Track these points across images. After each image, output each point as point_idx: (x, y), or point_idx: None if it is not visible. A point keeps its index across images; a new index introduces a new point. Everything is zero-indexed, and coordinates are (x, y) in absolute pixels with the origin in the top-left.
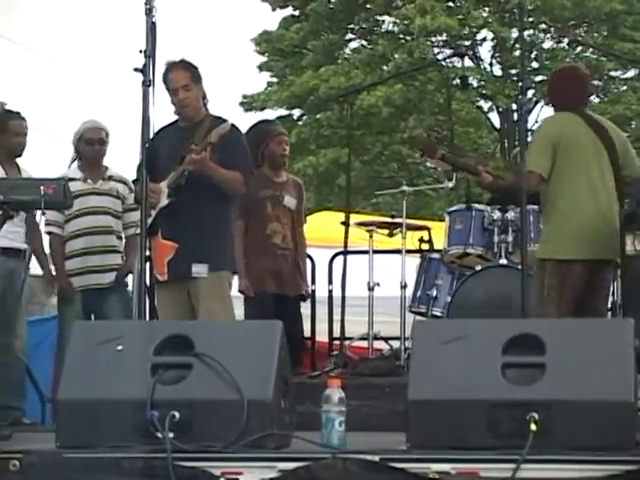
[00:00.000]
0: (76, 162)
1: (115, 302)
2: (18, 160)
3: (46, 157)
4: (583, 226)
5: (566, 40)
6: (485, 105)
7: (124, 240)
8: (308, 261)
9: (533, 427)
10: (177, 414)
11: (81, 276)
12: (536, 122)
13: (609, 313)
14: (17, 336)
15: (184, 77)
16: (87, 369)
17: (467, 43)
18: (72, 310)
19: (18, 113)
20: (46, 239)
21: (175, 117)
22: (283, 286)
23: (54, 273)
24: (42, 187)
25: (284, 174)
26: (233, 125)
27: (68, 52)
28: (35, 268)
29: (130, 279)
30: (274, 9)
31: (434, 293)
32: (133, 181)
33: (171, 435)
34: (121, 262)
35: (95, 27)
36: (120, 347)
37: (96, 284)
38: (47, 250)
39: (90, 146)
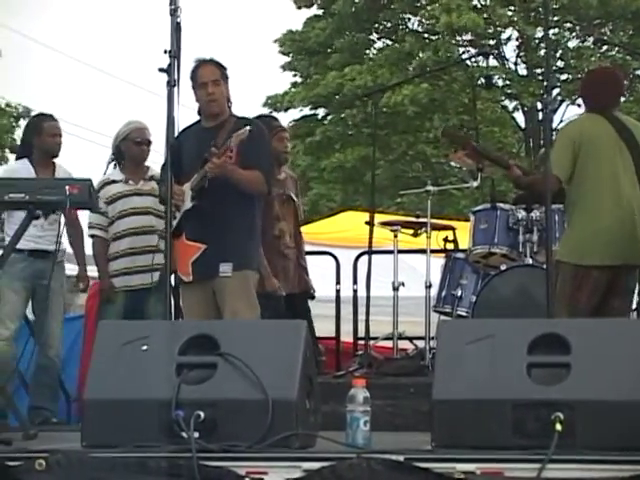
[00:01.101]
0: (114, 163)
1: (157, 302)
2: (57, 160)
3: (74, 158)
4: (603, 230)
5: (591, 39)
6: (510, 104)
7: None
8: (333, 260)
9: (558, 427)
10: (202, 414)
11: (125, 276)
12: (561, 121)
13: (634, 313)
14: (52, 337)
15: (214, 73)
16: (113, 369)
17: (492, 42)
18: (113, 311)
19: (51, 115)
20: (89, 242)
21: (198, 117)
22: (290, 285)
23: (97, 274)
24: (67, 187)
25: (282, 171)
26: (256, 125)
27: (92, 52)
28: (67, 269)
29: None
30: (299, 7)
31: (459, 293)
32: (157, 182)
33: (196, 435)
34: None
35: (120, 27)
36: (145, 347)
37: (140, 284)
38: (89, 252)
39: (138, 146)
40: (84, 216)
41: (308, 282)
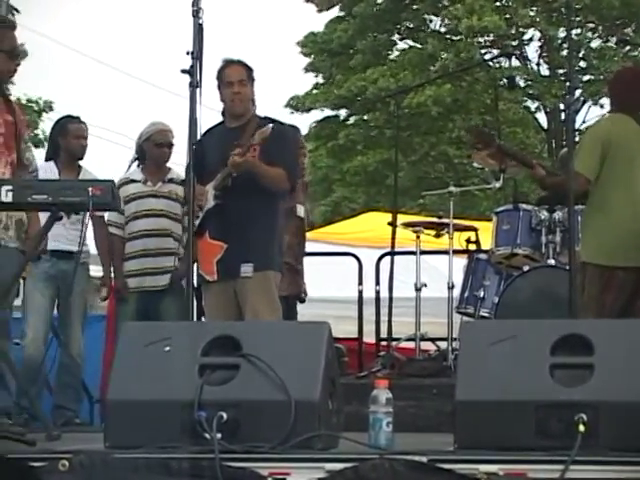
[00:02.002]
0: (136, 163)
1: (170, 304)
2: (82, 163)
3: (96, 159)
4: (629, 232)
5: (614, 39)
6: (532, 105)
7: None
8: (355, 261)
9: (581, 428)
10: (225, 415)
11: (137, 277)
12: (584, 122)
13: None
14: (74, 338)
15: (241, 73)
16: (135, 370)
17: (514, 43)
18: (127, 311)
19: (78, 117)
20: (91, 244)
21: (221, 118)
22: (281, 287)
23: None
24: (90, 188)
25: None
26: (279, 123)
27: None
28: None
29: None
30: (320, 10)
31: (481, 294)
32: (180, 183)
33: (219, 436)
34: (177, 264)
35: (143, 29)
36: (168, 348)
37: (151, 286)
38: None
39: (160, 148)
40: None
41: (301, 285)
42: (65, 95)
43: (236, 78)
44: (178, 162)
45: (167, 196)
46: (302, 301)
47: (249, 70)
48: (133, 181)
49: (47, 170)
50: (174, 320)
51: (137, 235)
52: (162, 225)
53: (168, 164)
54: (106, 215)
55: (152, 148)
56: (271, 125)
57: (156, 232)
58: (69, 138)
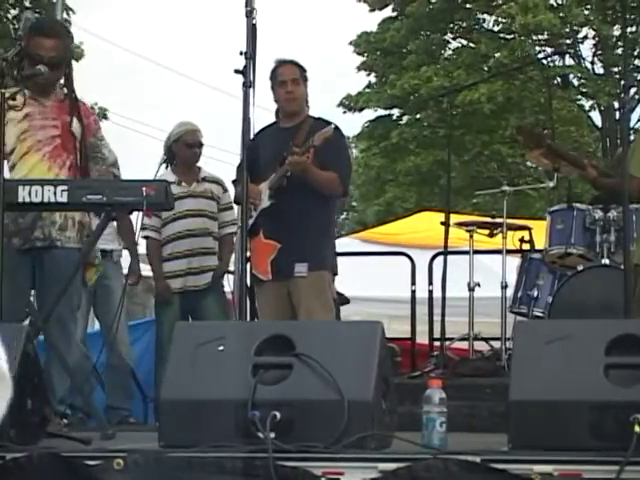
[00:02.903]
0: (166, 164)
1: (212, 303)
2: (127, 162)
3: (148, 159)
4: None
5: None
6: (586, 104)
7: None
8: (408, 261)
9: (637, 429)
10: (278, 414)
11: (180, 278)
12: (639, 120)
13: None
14: (119, 338)
15: (295, 72)
16: (189, 369)
17: (568, 41)
18: (170, 312)
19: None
20: (143, 243)
21: (274, 119)
22: None
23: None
24: (144, 188)
25: None
26: (336, 127)
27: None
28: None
29: (229, 279)
30: (372, 10)
31: (535, 293)
32: (233, 181)
33: (272, 435)
34: (217, 263)
35: (196, 29)
36: (221, 348)
37: (194, 286)
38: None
39: (190, 149)
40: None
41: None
42: (117, 93)
43: (289, 77)
44: (231, 162)
45: (204, 195)
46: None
47: (302, 70)
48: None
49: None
50: (217, 319)
51: (179, 236)
52: (202, 224)
53: (210, 163)
54: (140, 219)
55: (183, 149)
56: (333, 125)
57: (197, 232)
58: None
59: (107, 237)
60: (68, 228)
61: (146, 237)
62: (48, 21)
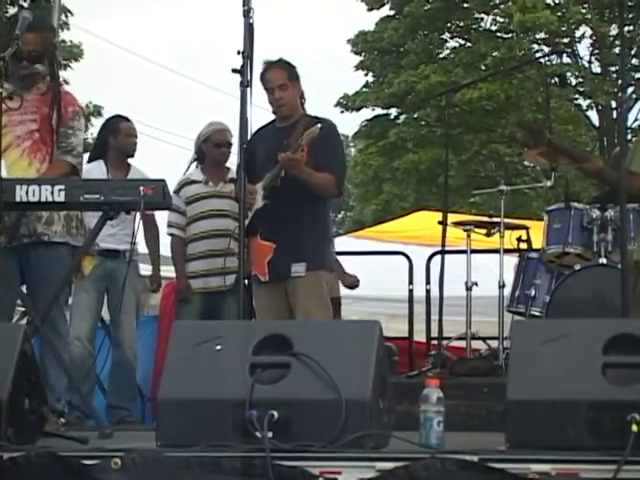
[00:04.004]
0: (195, 163)
1: (233, 304)
2: (131, 161)
3: (148, 158)
4: None
5: None
6: (584, 103)
7: None
8: (406, 260)
9: (635, 428)
10: (276, 414)
11: (202, 278)
12: (636, 120)
13: None
14: (127, 338)
15: (281, 76)
16: (187, 369)
17: (566, 40)
18: (190, 311)
19: (126, 117)
20: (168, 240)
21: (273, 117)
22: None
23: (171, 274)
24: (142, 188)
25: None
26: (329, 124)
27: (166, 54)
28: (141, 269)
29: None
30: (370, 9)
31: (533, 293)
32: (231, 180)
33: (270, 434)
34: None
35: (193, 29)
36: (219, 347)
37: (217, 286)
38: (168, 251)
39: (219, 148)
40: (161, 217)
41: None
42: (117, 95)
43: (275, 84)
44: (230, 162)
45: (229, 196)
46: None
47: (290, 68)
48: (194, 182)
49: (95, 169)
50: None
51: (203, 236)
52: (226, 225)
53: (227, 164)
54: (167, 216)
55: (211, 148)
56: (319, 125)
57: (221, 232)
58: (120, 136)
59: (119, 237)
60: (54, 222)
61: (171, 234)
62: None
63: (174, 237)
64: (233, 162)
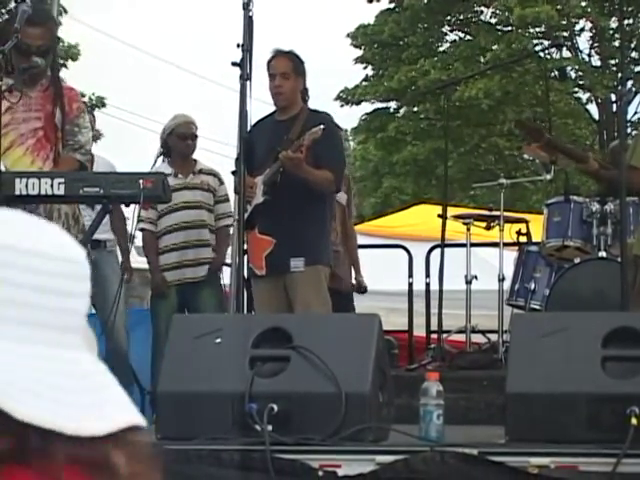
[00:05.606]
0: (162, 157)
1: (208, 296)
2: (97, 152)
3: (145, 151)
4: None
5: None
6: (583, 96)
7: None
8: (405, 254)
9: (634, 421)
10: (275, 407)
11: (176, 270)
12: (635, 113)
13: None
14: (116, 327)
15: (286, 65)
16: (186, 362)
17: (565, 34)
18: (166, 305)
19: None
20: (139, 235)
21: (273, 109)
22: (336, 282)
23: (145, 266)
24: (141, 181)
25: None
26: (330, 122)
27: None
28: (136, 262)
29: (225, 271)
30: (370, 1)
31: (532, 286)
32: (232, 172)
33: (269, 427)
34: (212, 255)
35: (193, 22)
36: (218, 340)
37: (191, 278)
38: (140, 246)
39: (184, 141)
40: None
41: (359, 280)
42: (117, 88)
43: (279, 70)
44: (229, 154)
45: (200, 187)
46: (364, 291)
47: (298, 61)
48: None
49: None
50: (213, 312)
51: (175, 228)
52: (199, 216)
53: (194, 156)
54: (137, 211)
55: (176, 141)
56: (322, 126)
57: (193, 224)
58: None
59: (102, 227)
60: (53, 220)
61: (142, 229)
62: (33, 9)
63: (145, 232)
64: (230, 155)
